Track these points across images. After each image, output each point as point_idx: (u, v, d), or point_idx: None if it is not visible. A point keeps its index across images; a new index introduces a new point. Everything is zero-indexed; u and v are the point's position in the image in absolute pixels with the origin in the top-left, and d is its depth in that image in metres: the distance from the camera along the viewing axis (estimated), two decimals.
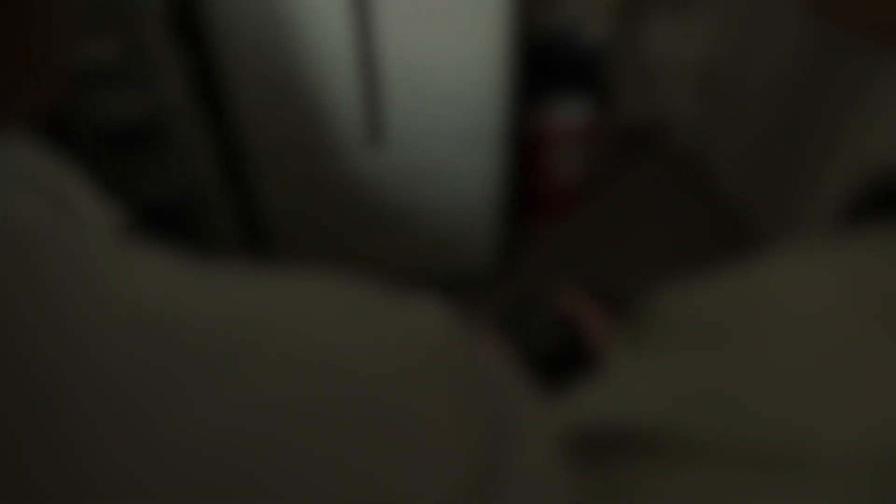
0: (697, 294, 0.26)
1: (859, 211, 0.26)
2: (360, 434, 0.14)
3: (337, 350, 0.15)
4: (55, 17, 0.17)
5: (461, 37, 1.00)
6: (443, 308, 0.19)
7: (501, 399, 0.18)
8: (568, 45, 1.38)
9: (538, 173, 1.49)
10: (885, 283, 0.21)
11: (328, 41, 0.98)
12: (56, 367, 0.12)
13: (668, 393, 0.22)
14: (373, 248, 1.30)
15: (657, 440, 0.21)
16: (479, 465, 0.15)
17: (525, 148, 1.41)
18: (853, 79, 1.21)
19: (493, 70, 1.05)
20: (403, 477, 0.14)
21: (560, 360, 0.43)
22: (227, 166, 1.13)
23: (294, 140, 1.10)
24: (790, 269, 0.24)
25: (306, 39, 0.98)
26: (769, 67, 1.45)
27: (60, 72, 0.18)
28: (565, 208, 1.58)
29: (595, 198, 1.62)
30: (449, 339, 0.18)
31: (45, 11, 0.17)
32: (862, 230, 0.24)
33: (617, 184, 1.67)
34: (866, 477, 0.18)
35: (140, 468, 0.12)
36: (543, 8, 1.36)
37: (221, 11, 0.94)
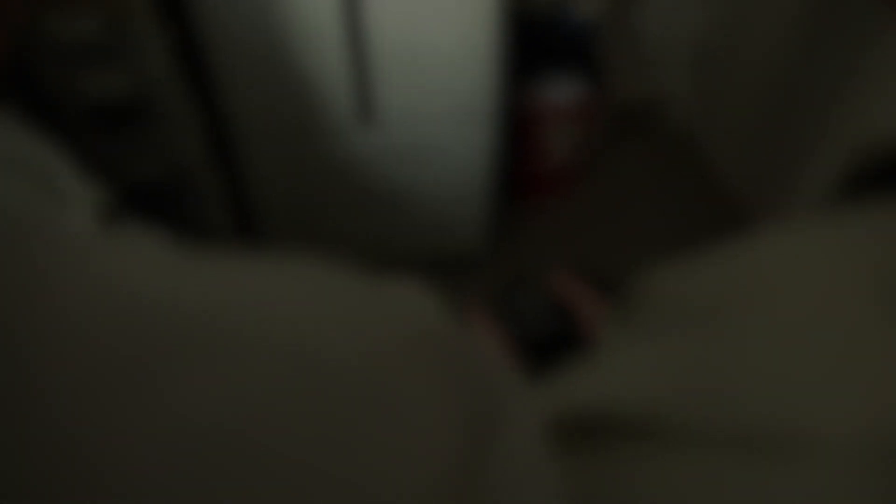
0: (688, 274, 0.25)
1: (855, 186, 0.26)
2: (341, 420, 0.14)
3: (316, 336, 0.15)
4: None
5: (451, 14, 0.98)
6: (427, 290, 0.19)
7: (488, 384, 0.18)
8: (560, 22, 1.36)
9: (530, 153, 1.48)
10: (882, 263, 0.20)
11: (316, 17, 0.96)
12: (40, 354, 0.12)
13: (658, 377, 0.22)
14: (363, 229, 1.29)
15: (647, 425, 0.21)
16: (464, 452, 0.15)
17: (517, 127, 1.40)
18: (848, 55, 1.20)
19: (483, 48, 1.03)
20: (387, 463, 0.14)
21: (552, 342, 0.43)
22: (214, 145, 1.12)
23: (283, 118, 1.09)
24: (783, 247, 0.24)
25: (294, 15, 0.96)
26: (763, 44, 1.44)
27: (10, 31, 0.18)
28: (557, 188, 1.58)
29: (588, 177, 1.61)
30: (432, 322, 0.18)
31: None
32: (857, 205, 0.23)
33: (610, 163, 1.67)
34: (865, 464, 0.17)
35: (127, 454, 0.12)
36: None
37: None
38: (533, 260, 1.45)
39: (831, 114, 1.24)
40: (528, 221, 1.55)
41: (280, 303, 0.15)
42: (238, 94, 1.04)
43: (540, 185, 1.57)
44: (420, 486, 0.14)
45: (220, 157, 1.14)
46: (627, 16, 1.61)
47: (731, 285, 0.23)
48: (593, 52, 1.40)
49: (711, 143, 1.68)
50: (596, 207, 1.58)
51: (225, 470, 0.12)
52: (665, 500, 0.19)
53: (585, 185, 1.62)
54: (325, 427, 0.13)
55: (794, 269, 0.22)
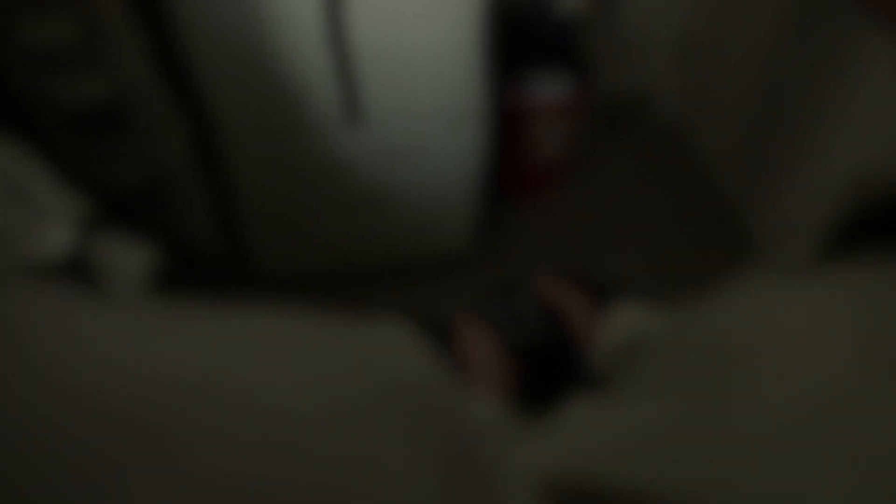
0: (687, 326, 0.24)
1: (855, 229, 0.25)
2: (316, 493, 0.13)
3: (288, 400, 0.14)
4: None
5: (435, 12, 0.97)
6: (408, 332, 0.18)
7: (474, 436, 0.17)
8: (544, 19, 1.36)
9: (518, 151, 1.48)
10: (887, 328, 0.19)
11: (299, 17, 0.94)
12: (20, 420, 0.11)
13: (641, 443, 0.21)
14: (351, 231, 1.28)
15: (639, 500, 0.20)
16: None
17: (504, 125, 1.40)
18: (831, 50, 1.21)
19: (468, 46, 1.03)
20: None
21: (542, 347, 0.43)
22: (197, 148, 1.10)
23: (267, 120, 1.07)
24: (785, 301, 0.23)
25: (276, 15, 0.94)
26: (748, 38, 1.44)
27: None
28: (546, 186, 1.57)
29: (576, 175, 1.61)
30: (411, 372, 0.17)
31: None
32: (861, 257, 0.23)
33: (598, 160, 1.67)
34: None
35: None
36: None
37: None
38: (523, 259, 1.45)
39: (817, 106, 1.25)
40: (516, 220, 1.54)
41: (256, 365, 0.14)
42: (221, 96, 1.03)
43: (528, 183, 1.56)
44: None
45: (203, 160, 1.12)
46: (612, 11, 1.61)
47: (719, 344, 0.22)
48: (578, 48, 1.40)
49: (699, 138, 1.69)
50: (585, 205, 1.58)
51: None
52: None
53: (574, 182, 1.62)
54: (292, 494, 0.13)
55: (795, 328, 0.21)
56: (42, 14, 0.89)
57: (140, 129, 1.02)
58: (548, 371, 0.43)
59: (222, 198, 1.19)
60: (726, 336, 0.22)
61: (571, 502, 0.20)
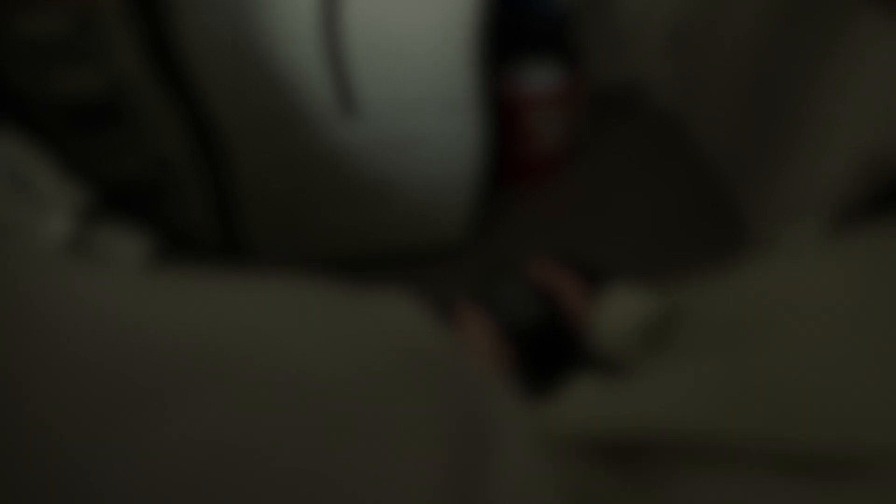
0: (718, 294, 0.25)
1: (869, 205, 0.26)
2: (329, 444, 0.14)
3: (301, 359, 0.15)
4: None
5: (428, 1, 0.98)
6: (412, 303, 0.19)
7: (480, 398, 0.18)
8: (538, 7, 1.36)
9: (513, 140, 1.48)
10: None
11: (292, 7, 0.95)
12: (28, 380, 0.12)
13: (706, 396, 0.21)
14: (348, 220, 1.29)
15: (700, 446, 0.20)
16: (456, 471, 0.15)
17: (499, 114, 1.40)
18: (830, 31, 1.21)
19: (461, 35, 1.03)
20: (377, 485, 0.14)
21: (538, 331, 0.43)
22: (194, 140, 1.10)
23: (263, 112, 1.08)
24: (798, 267, 0.23)
25: (270, 4, 0.94)
26: (743, 23, 1.44)
27: None
28: (542, 175, 1.58)
29: (573, 164, 1.62)
30: (419, 338, 0.18)
31: None
32: (876, 222, 0.23)
33: (594, 149, 1.67)
34: None
35: (120, 483, 0.12)
36: None
37: None
38: (520, 247, 1.45)
39: (812, 90, 1.25)
40: (513, 209, 1.55)
41: (264, 327, 0.15)
42: (215, 87, 1.03)
43: (524, 172, 1.57)
44: None
45: (200, 151, 1.13)
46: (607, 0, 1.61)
47: (765, 305, 0.22)
48: (572, 36, 1.40)
49: (693, 125, 1.69)
50: (581, 192, 1.59)
51: (212, 496, 0.12)
52: None
53: (570, 170, 1.62)
54: (312, 452, 0.13)
55: (827, 287, 0.22)
56: (38, 7, 0.89)
57: (136, 120, 1.02)
58: (544, 355, 0.44)
59: (220, 188, 1.19)
60: (762, 300, 0.23)
61: (634, 451, 0.20)
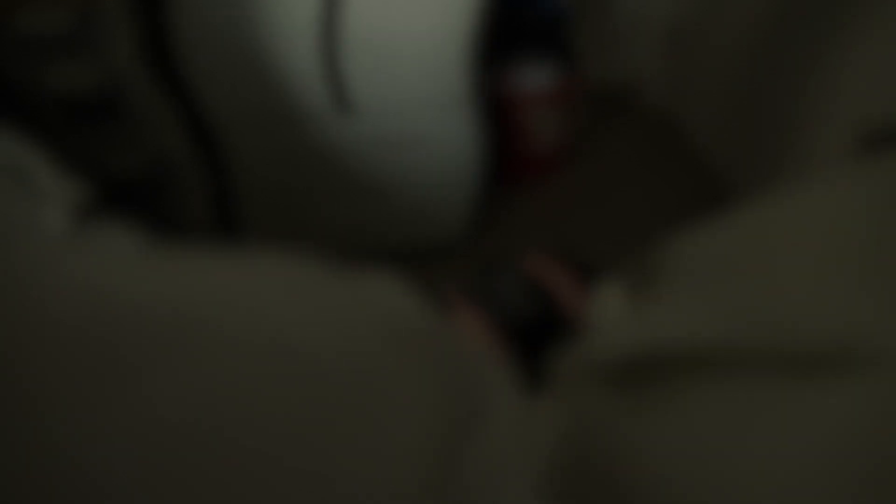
0: (703, 236, 0.26)
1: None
2: (316, 416, 0.14)
3: (292, 333, 0.15)
4: None
5: (426, 2, 0.98)
6: (406, 283, 0.19)
7: (470, 374, 0.18)
8: (535, 7, 1.36)
9: (510, 139, 1.48)
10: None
11: (292, 8, 0.95)
12: (19, 351, 0.12)
13: (703, 315, 0.22)
14: (345, 218, 1.29)
15: (700, 359, 0.21)
16: (440, 449, 0.16)
17: (497, 112, 1.40)
18: (825, 30, 1.21)
19: (458, 33, 1.03)
20: (361, 460, 0.14)
21: (533, 326, 0.44)
22: (194, 137, 1.11)
23: (261, 108, 1.08)
24: (794, 196, 0.24)
25: (269, 5, 0.95)
26: (741, 22, 1.44)
27: None
28: (540, 174, 1.58)
29: (569, 162, 1.62)
30: (410, 317, 0.18)
31: None
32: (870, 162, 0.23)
33: (592, 148, 1.67)
34: None
35: (106, 450, 0.12)
36: None
37: None
38: (516, 245, 1.46)
39: (812, 84, 1.25)
40: (510, 207, 1.55)
41: (255, 300, 0.15)
42: (213, 84, 1.03)
43: (522, 170, 1.57)
44: (394, 483, 0.14)
45: (199, 148, 1.13)
46: (605, 0, 1.61)
47: (753, 238, 0.23)
48: (569, 35, 1.41)
49: (690, 122, 1.69)
50: (579, 191, 1.59)
51: (201, 464, 0.12)
52: (725, 426, 0.19)
53: (567, 169, 1.62)
54: (299, 423, 0.13)
55: (810, 210, 0.22)
56: (37, 2, 0.89)
57: (134, 117, 1.02)
58: (538, 350, 0.45)
59: (218, 185, 1.20)
60: (753, 234, 0.23)
61: (638, 373, 0.21)
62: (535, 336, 0.45)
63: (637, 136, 1.74)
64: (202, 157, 1.18)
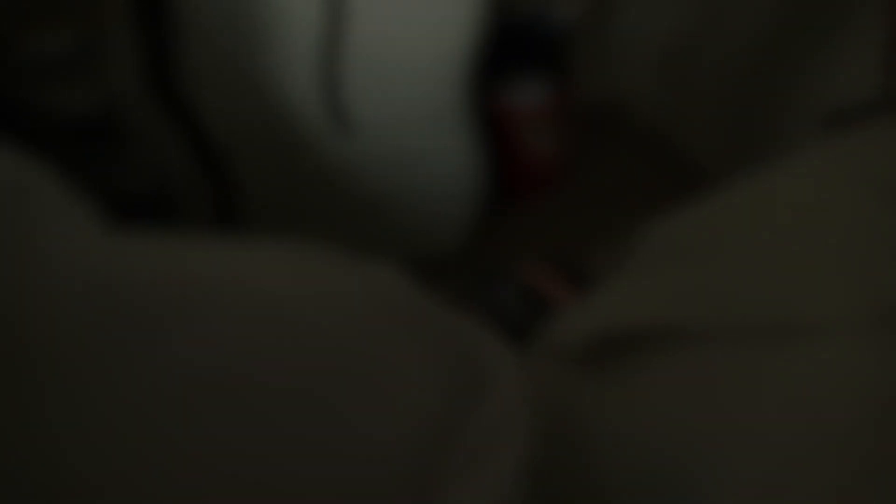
0: (677, 218, 0.27)
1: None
2: (317, 380, 0.15)
3: (292, 301, 0.16)
4: None
5: (427, 17, 1.00)
6: (399, 271, 0.20)
7: (470, 348, 0.19)
8: (534, 25, 1.38)
9: (508, 154, 1.50)
10: (878, 168, 0.21)
11: (292, 14, 0.97)
12: (34, 318, 0.13)
13: (665, 292, 0.23)
14: (347, 235, 1.29)
15: (659, 335, 0.22)
16: (443, 414, 0.16)
17: (494, 129, 1.42)
18: (822, 50, 1.22)
19: (457, 52, 1.05)
20: (363, 420, 0.15)
21: (529, 334, 0.45)
22: (195, 157, 1.12)
23: (262, 128, 1.09)
24: (776, 173, 0.25)
25: (268, 14, 0.97)
26: (736, 40, 1.46)
27: None
28: (535, 188, 1.59)
29: (566, 177, 1.63)
30: (411, 294, 0.19)
31: None
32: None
33: (587, 164, 1.68)
34: (870, 337, 0.18)
35: (132, 400, 0.13)
36: None
37: None
38: (513, 257, 1.46)
39: (804, 108, 1.26)
40: (507, 222, 1.56)
41: (251, 273, 0.16)
42: (216, 105, 1.05)
43: (518, 184, 1.58)
44: (395, 445, 0.15)
45: (201, 169, 1.14)
46: (605, 19, 1.63)
47: (723, 217, 0.24)
48: (565, 53, 1.43)
49: (684, 138, 1.71)
50: (575, 206, 1.60)
51: (217, 415, 0.13)
52: (690, 396, 0.20)
53: (563, 185, 1.64)
54: (301, 384, 0.14)
55: (789, 184, 0.23)
56: (42, 23, 0.91)
57: (137, 138, 1.04)
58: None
59: (221, 203, 1.21)
60: (724, 213, 0.24)
61: (601, 352, 0.21)
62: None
63: (631, 151, 1.76)
64: (205, 177, 1.19)
